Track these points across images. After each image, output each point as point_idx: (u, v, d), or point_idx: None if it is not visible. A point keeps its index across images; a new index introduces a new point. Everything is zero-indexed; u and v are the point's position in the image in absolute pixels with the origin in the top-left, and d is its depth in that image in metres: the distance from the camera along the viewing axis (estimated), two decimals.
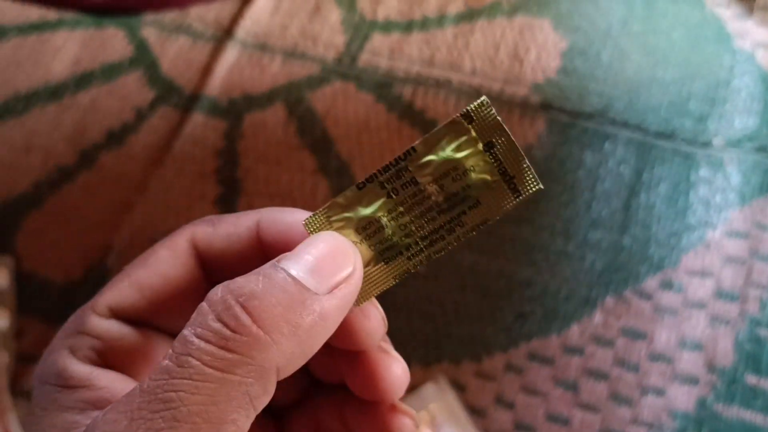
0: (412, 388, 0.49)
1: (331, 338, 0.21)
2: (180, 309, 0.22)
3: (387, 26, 0.65)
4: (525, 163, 0.21)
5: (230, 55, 0.63)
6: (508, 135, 0.21)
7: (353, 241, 0.22)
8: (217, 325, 0.18)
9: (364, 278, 0.22)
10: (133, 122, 0.60)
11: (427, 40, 0.64)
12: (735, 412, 0.48)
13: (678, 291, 0.52)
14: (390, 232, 0.22)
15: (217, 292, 0.19)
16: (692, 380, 0.49)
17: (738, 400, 0.48)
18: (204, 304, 0.19)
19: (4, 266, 0.52)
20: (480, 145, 0.21)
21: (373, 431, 0.23)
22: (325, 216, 0.22)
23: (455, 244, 0.22)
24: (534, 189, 0.21)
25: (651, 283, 0.52)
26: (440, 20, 0.65)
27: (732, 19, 0.64)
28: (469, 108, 0.21)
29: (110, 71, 0.63)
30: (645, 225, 0.54)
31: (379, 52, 0.63)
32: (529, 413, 0.48)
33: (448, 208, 0.21)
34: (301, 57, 0.63)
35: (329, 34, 0.64)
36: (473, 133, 0.21)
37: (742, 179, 0.55)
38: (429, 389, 0.49)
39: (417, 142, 0.22)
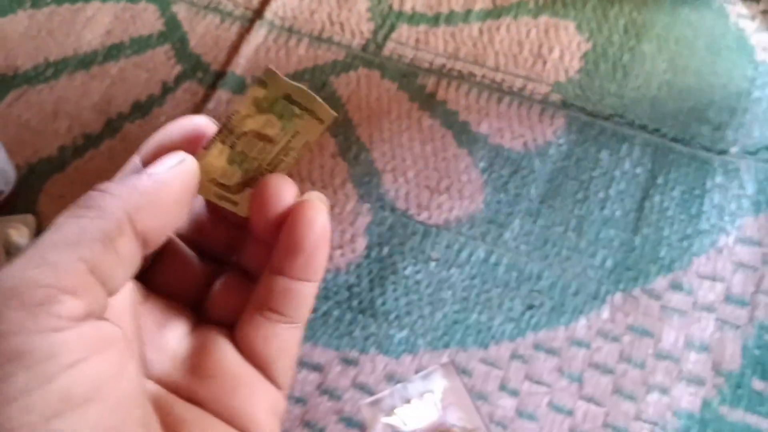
0: (420, 370, 0.50)
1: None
2: None
3: (413, 17, 0.65)
4: (317, 100, 0.26)
5: (258, 35, 0.64)
6: (296, 86, 0.26)
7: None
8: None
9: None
10: (159, 95, 0.61)
11: (453, 34, 0.64)
12: (740, 416, 0.48)
13: (688, 293, 0.52)
14: (244, 169, 0.27)
15: None
16: (698, 381, 0.49)
17: (744, 404, 0.48)
18: None
19: (26, 225, 0.52)
20: (280, 99, 0.26)
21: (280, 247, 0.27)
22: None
23: (294, 161, 0.27)
24: (332, 118, 0.26)
25: (661, 283, 0.53)
26: (466, 15, 0.65)
27: (755, 31, 0.64)
28: (260, 77, 0.26)
29: (139, 44, 0.64)
30: (657, 227, 0.55)
31: (404, 42, 0.64)
32: (533, 402, 0.49)
33: (277, 142, 0.27)
34: (327, 42, 0.64)
35: (356, 21, 0.65)
36: (272, 93, 0.26)
37: (757, 188, 0.56)
38: (436, 373, 0.49)
39: (234, 109, 0.27)
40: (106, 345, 0.22)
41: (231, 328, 0.27)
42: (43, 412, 0.19)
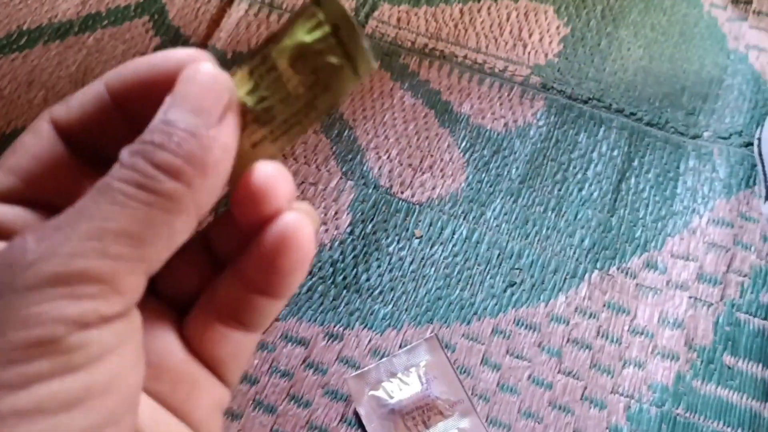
0: (403, 345, 0.50)
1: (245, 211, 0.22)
2: (51, 183, 0.23)
3: None
4: (364, 45, 0.21)
5: (239, 9, 0.63)
6: (350, 18, 0.21)
7: None
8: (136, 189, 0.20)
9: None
10: None
11: (434, 14, 0.65)
12: (712, 389, 0.49)
13: (662, 272, 0.53)
14: (255, 116, 0.22)
15: (125, 155, 0.20)
16: (672, 356, 0.50)
17: (716, 378, 0.50)
18: (120, 165, 0.20)
19: None
20: (327, 28, 0.22)
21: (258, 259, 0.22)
22: None
23: (309, 126, 0.22)
24: (370, 71, 0.22)
25: (636, 262, 0.54)
26: None
27: (728, 21, 0.66)
28: None
29: (116, 15, 0.62)
30: (633, 208, 0.56)
31: (386, 20, 0.64)
32: (514, 375, 0.49)
33: (303, 93, 0.22)
34: None
35: None
36: (321, 17, 0.22)
37: (729, 171, 0.58)
38: (420, 347, 0.50)
39: (277, 27, 0.22)
40: (132, 337, 0.21)
41: (179, 309, 0.25)
42: (62, 399, 0.19)
